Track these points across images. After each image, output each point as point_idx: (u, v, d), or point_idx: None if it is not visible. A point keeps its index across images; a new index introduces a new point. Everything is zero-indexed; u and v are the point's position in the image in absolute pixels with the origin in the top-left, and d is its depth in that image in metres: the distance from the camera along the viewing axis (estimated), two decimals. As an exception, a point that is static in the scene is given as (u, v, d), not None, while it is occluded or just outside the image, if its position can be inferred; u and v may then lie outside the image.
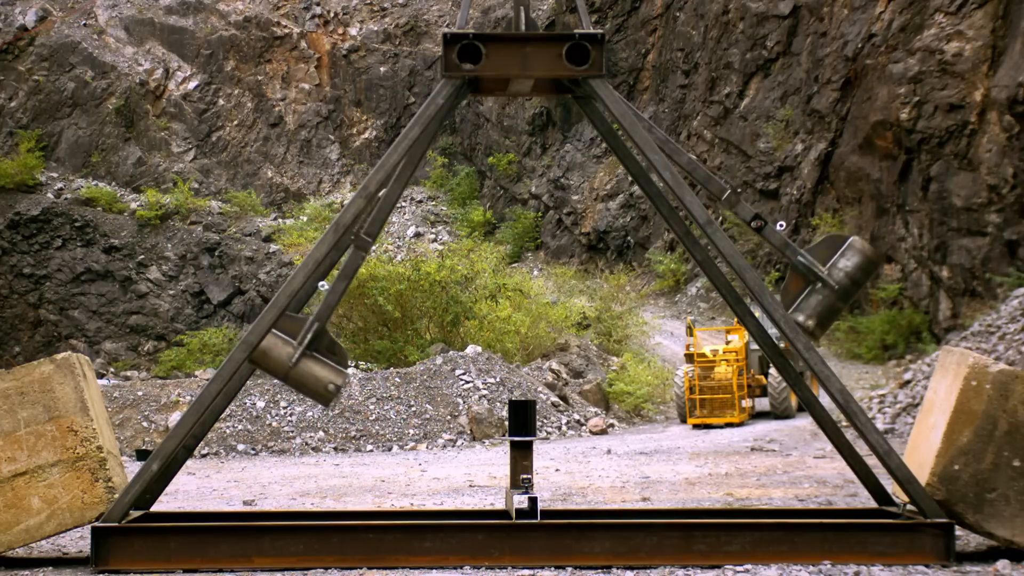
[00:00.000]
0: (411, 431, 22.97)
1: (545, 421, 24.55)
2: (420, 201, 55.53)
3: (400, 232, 52.83)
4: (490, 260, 34.83)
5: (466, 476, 16.31)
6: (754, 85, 42.00)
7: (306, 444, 22.42)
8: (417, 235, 52.32)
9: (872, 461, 9.22)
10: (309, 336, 8.57)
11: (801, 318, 8.66)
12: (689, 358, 26.77)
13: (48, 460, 8.42)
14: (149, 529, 8.40)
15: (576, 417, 25.51)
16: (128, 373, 44.44)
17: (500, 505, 11.28)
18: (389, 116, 56.77)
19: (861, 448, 9.57)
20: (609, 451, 20.09)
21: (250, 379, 11.95)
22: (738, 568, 8.01)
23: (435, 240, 51.68)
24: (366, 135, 56.60)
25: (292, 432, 22.85)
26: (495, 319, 30.23)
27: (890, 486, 8.97)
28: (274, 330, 8.60)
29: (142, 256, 48.95)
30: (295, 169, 55.41)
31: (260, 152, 55.13)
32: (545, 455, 19.13)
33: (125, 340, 48.19)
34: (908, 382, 22.32)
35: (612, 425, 26.07)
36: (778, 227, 8.75)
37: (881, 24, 34.54)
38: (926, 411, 8.89)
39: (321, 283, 8.93)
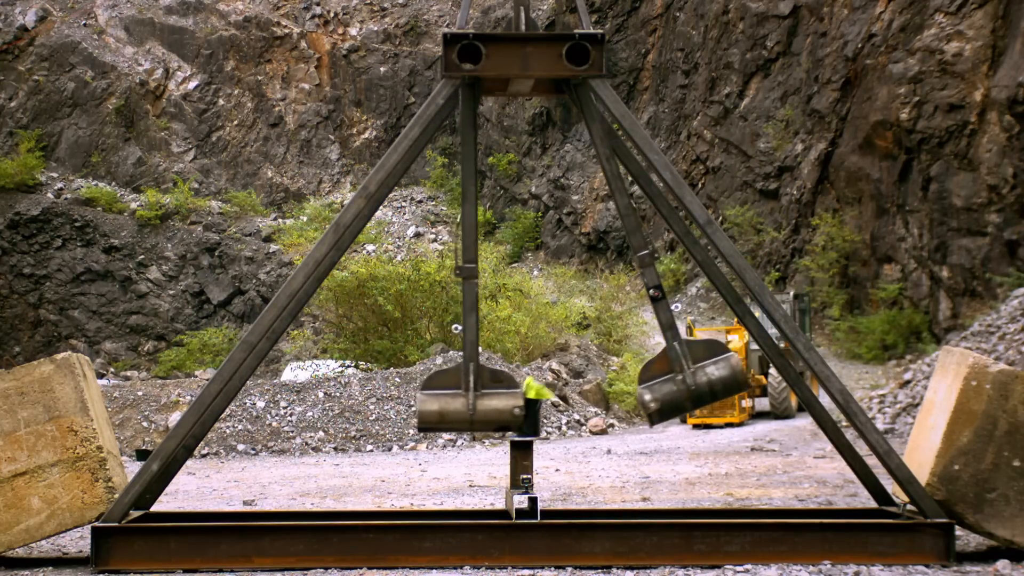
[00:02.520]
0: (411, 431, 22.96)
1: (545, 421, 24.55)
2: (420, 201, 55.52)
3: (400, 232, 52.83)
4: (490, 260, 34.81)
5: (466, 476, 16.31)
6: (754, 85, 42.00)
7: (306, 444, 22.41)
8: (417, 235, 52.31)
9: (872, 461, 9.22)
10: (472, 378, 8.68)
11: (647, 397, 8.79)
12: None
13: (48, 460, 8.42)
14: (149, 529, 8.40)
15: (576, 417, 25.51)
16: (128, 373, 44.45)
17: (500, 505, 11.28)
18: (389, 116, 56.76)
19: (861, 448, 9.57)
20: (609, 451, 20.09)
21: (250, 379, 11.94)
22: (738, 568, 8.01)
23: (435, 240, 51.67)
24: (366, 135, 56.60)
25: (292, 432, 22.85)
26: (495, 319, 30.22)
27: (890, 486, 8.97)
28: (432, 391, 8.72)
29: (142, 256, 48.95)
30: (295, 169, 55.42)
31: (260, 152, 55.13)
32: (545, 455, 19.12)
33: (125, 340, 48.19)
34: (908, 382, 22.32)
35: (612, 425, 26.07)
36: (674, 307, 8.88)
37: (881, 24, 34.55)
38: (926, 411, 8.89)
39: (456, 327, 9.18)
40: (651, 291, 8.90)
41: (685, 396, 8.75)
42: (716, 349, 8.89)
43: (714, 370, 8.76)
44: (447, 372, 8.85)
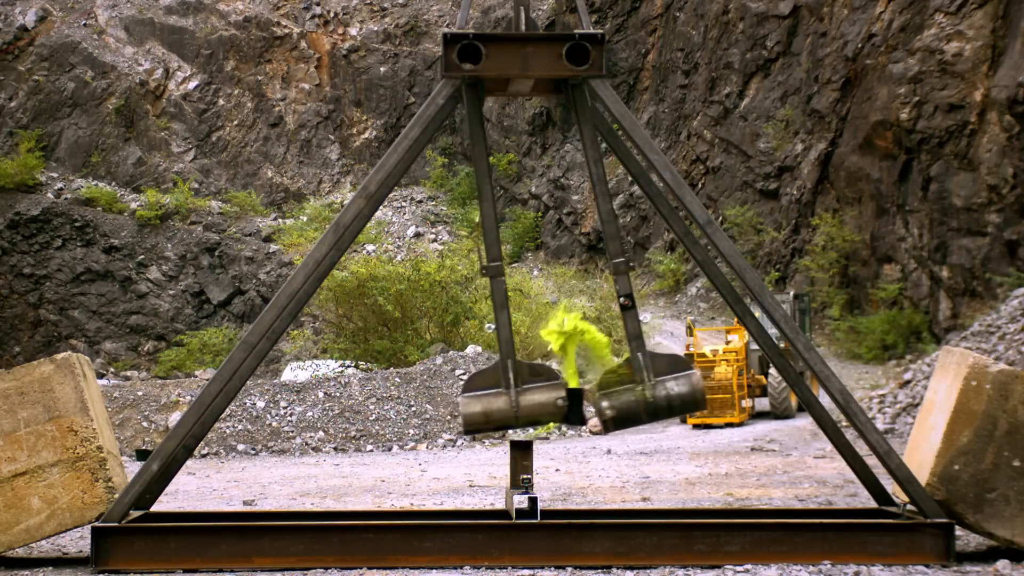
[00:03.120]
0: (411, 431, 22.97)
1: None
2: (420, 201, 55.53)
3: (400, 232, 52.83)
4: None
5: (466, 476, 16.31)
6: (754, 85, 42.00)
7: (306, 444, 22.42)
8: (417, 235, 52.32)
9: (872, 461, 9.22)
10: (512, 375, 8.71)
11: (605, 404, 8.85)
12: (689, 358, 26.75)
13: (48, 460, 8.42)
14: (149, 529, 8.39)
15: (576, 417, 25.47)
16: (128, 373, 44.47)
17: (500, 505, 11.28)
18: (389, 116, 56.77)
19: (861, 448, 9.56)
20: (609, 451, 20.09)
21: (250, 379, 11.94)
22: (738, 568, 8.01)
23: (435, 240, 51.68)
24: (366, 135, 56.60)
25: (292, 432, 22.85)
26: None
27: (890, 486, 8.96)
28: (474, 392, 8.73)
29: (142, 256, 48.95)
30: (295, 169, 55.42)
31: (260, 152, 55.13)
32: (545, 455, 19.12)
33: (125, 340, 48.19)
34: (908, 382, 22.33)
35: (612, 425, 26.04)
36: (643, 317, 8.91)
37: (881, 24, 34.55)
38: (926, 411, 8.88)
39: (488, 326, 9.22)
40: (621, 299, 8.94)
41: (642, 408, 8.75)
42: (679, 365, 8.89)
43: (674, 385, 8.75)
44: (485, 372, 8.85)
